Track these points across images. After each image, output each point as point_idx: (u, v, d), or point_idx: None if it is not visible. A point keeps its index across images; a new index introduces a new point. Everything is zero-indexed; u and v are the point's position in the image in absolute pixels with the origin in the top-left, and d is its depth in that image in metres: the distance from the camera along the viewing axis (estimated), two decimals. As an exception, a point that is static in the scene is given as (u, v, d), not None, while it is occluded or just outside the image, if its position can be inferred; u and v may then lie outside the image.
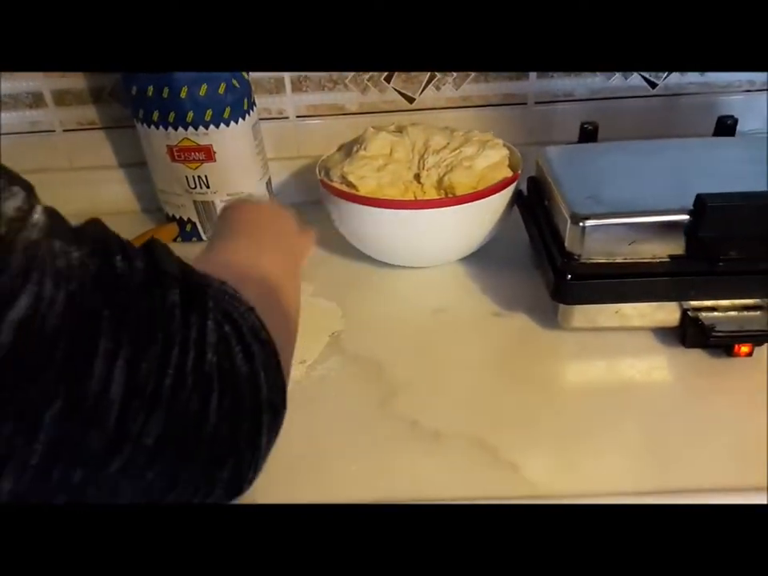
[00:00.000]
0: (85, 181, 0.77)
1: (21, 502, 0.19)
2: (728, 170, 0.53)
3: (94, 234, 0.22)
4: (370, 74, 0.71)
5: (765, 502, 0.38)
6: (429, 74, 0.71)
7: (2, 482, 0.18)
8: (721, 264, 0.45)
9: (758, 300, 0.48)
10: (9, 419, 0.18)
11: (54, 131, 0.75)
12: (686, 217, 0.46)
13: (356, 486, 0.41)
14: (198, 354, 0.22)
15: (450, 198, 0.57)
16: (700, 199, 0.45)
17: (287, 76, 0.72)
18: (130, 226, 0.70)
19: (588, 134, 0.61)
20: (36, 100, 0.74)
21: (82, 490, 0.20)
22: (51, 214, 0.20)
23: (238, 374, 0.23)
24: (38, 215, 0.19)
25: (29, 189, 0.20)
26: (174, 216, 0.70)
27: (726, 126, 0.62)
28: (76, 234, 0.21)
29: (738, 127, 0.62)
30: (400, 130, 0.63)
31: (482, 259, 0.63)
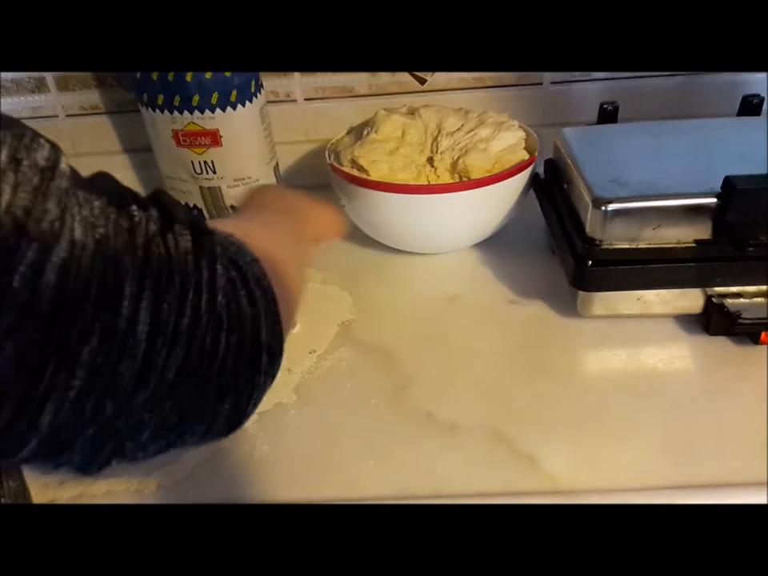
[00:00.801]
0: (89, 167, 0.73)
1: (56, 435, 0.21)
2: (755, 151, 0.51)
3: (107, 186, 0.23)
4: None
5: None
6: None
7: (43, 415, 0.19)
8: (750, 249, 0.43)
9: (787, 286, 0.46)
10: (53, 356, 0.19)
11: (56, 116, 0.74)
12: (713, 200, 0.44)
13: (370, 482, 0.40)
14: (210, 296, 0.24)
15: (464, 182, 0.55)
16: (728, 182, 0.43)
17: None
18: (135, 213, 0.69)
19: (608, 114, 0.59)
20: (38, 84, 0.72)
21: (111, 424, 0.21)
22: (71, 166, 0.22)
23: (243, 316, 0.25)
24: (63, 165, 0.21)
25: (51, 141, 0.21)
26: (179, 202, 0.68)
27: (751, 106, 0.59)
28: (91, 186, 0.22)
29: (765, 106, 0.60)
30: (412, 111, 0.61)
31: (497, 245, 0.61)
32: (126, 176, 0.76)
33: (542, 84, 0.70)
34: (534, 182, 0.59)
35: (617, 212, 0.45)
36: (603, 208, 0.45)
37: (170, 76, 0.58)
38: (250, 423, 0.45)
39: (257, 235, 0.34)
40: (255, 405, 0.27)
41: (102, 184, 0.23)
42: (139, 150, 0.74)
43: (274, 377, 0.28)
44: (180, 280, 0.22)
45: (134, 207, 0.23)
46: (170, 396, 0.22)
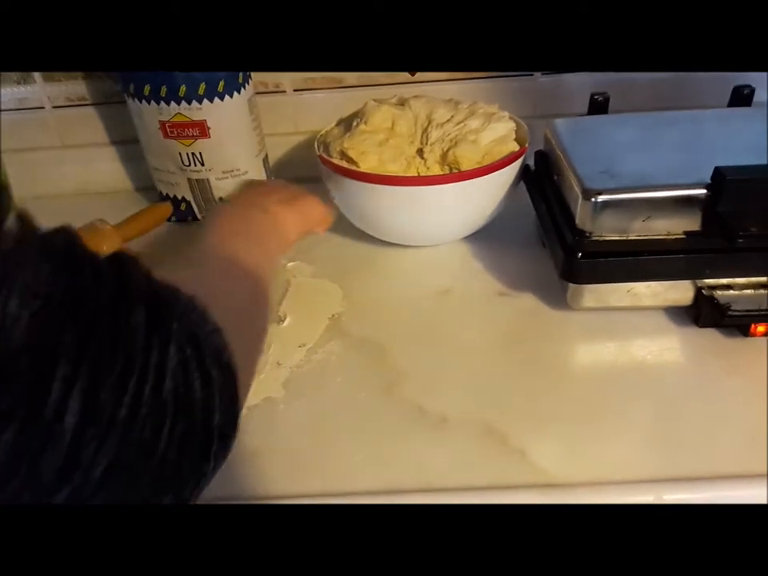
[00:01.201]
0: (76, 159, 0.75)
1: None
2: (745, 142, 0.51)
3: (65, 244, 0.21)
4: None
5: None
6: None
7: None
8: (740, 240, 0.43)
9: (775, 278, 0.46)
10: None
11: (43, 108, 0.73)
12: (703, 191, 0.44)
13: (361, 476, 0.39)
14: (156, 381, 0.21)
15: (454, 174, 0.54)
16: (719, 172, 0.43)
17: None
18: (123, 206, 0.68)
19: (599, 105, 0.58)
20: (24, 76, 0.71)
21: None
22: (23, 219, 0.20)
23: (193, 400, 0.23)
24: (10, 222, 0.19)
25: (1, 192, 0.19)
26: (168, 195, 0.67)
27: (742, 96, 0.59)
28: (45, 244, 0.20)
29: (755, 97, 0.59)
30: (402, 102, 0.60)
31: (487, 237, 0.61)
32: (115, 168, 0.75)
33: (532, 75, 0.69)
34: (524, 173, 0.58)
35: (607, 203, 0.44)
36: (593, 199, 0.44)
37: (157, 66, 0.58)
38: (239, 417, 0.44)
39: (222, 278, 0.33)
40: (200, 492, 0.25)
41: (61, 242, 0.21)
42: (127, 141, 0.73)
43: (224, 459, 0.26)
44: (124, 363, 0.20)
45: (87, 273, 0.21)
46: (94, 495, 0.20)
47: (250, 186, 0.50)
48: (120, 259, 0.24)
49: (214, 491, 0.39)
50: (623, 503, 0.37)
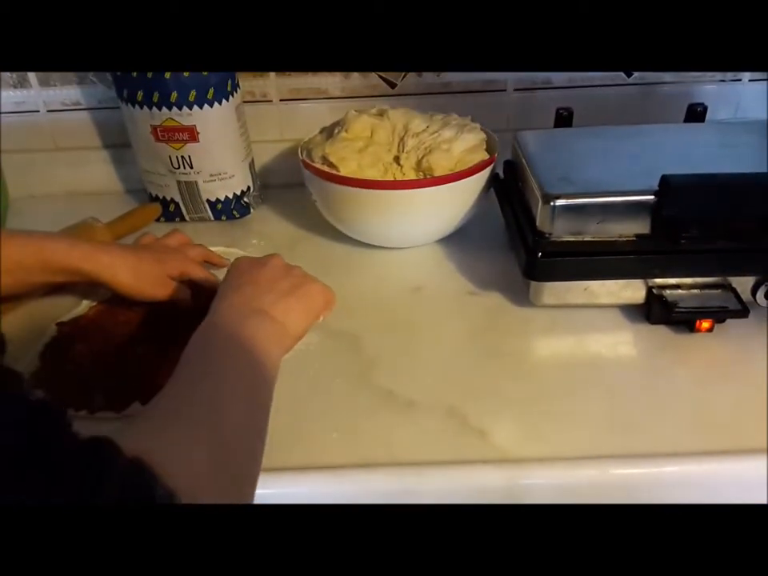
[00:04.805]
0: (69, 162, 0.78)
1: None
2: (696, 154, 0.55)
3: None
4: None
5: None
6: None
7: None
8: (683, 242, 0.47)
9: (718, 278, 0.50)
10: None
11: (38, 111, 0.76)
12: (651, 197, 0.48)
13: (336, 452, 0.43)
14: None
15: (427, 179, 0.58)
16: (664, 179, 0.47)
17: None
18: (113, 207, 0.71)
19: (563, 119, 0.63)
20: (20, 80, 0.74)
21: None
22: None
23: None
24: None
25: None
26: (157, 196, 0.71)
27: (695, 113, 0.64)
28: None
29: (710, 116, 0.64)
30: (381, 113, 0.64)
31: (458, 241, 0.65)
32: (106, 171, 0.78)
33: (505, 90, 0.74)
34: (493, 181, 0.62)
35: (564, 207, 0.48)
36: (552, 203, 0.48)
37: (149, 73, 0.61)
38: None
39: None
40: None
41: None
42: (117, 145, 0.76)
43: None
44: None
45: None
46: None
47: (242, 272, 0.45)
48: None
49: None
50: (576, 481, 0.41)
